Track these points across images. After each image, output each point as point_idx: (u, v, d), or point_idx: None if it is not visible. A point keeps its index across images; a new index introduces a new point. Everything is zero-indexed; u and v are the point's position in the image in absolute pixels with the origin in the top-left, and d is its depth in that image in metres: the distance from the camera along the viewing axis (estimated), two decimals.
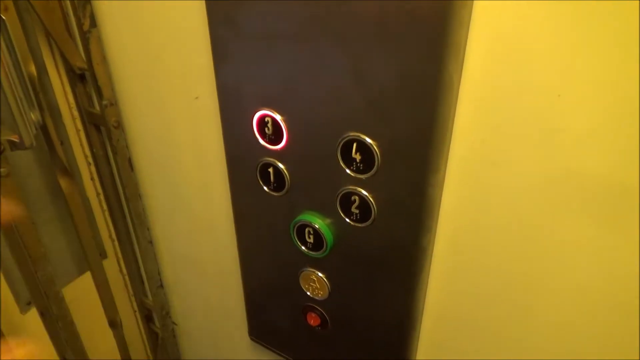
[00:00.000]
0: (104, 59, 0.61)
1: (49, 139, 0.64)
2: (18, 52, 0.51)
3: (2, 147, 0.52)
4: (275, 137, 0.50)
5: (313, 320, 0.63)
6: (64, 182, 0.66)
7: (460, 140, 0.42)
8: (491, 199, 0.43)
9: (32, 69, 0.56)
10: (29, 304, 0.76)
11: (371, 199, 0.48)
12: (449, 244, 0.48)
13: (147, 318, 0.95)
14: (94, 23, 0.58)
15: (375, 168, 0.45)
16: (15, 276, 0.73)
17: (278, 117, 0.49)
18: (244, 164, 0.56)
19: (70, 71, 0.66)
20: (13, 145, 0.53)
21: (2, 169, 0.54)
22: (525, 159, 0.39)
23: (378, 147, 0.44)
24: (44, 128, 0.62)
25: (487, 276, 0.47)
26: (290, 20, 0.43)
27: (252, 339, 0.76)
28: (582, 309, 0.42)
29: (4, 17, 0.47)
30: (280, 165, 0.52)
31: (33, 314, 0.77)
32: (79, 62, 0.63)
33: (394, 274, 0.51)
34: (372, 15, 0.38)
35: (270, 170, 0.53)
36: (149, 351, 1.02)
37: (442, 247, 0.48)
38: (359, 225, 0.50)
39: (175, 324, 0.95)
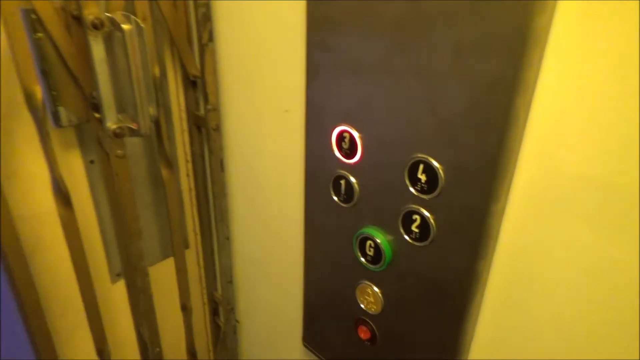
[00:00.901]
0: (215, 70, 0.71)
1: (159, 133, 0.74)
2: (148, 55, 0.61)
3: (123, 132, 0.62)
4: (351, 152, 0.55)
5: (363, 333, 0.65)
6: (165, 173, 0.76)
7: (523, 173, 0.44)
8: (550, 233, 0.44)
9: (156, 71, 0.66)
10: (118, 275, 0.86)
11: (432, 220, 0.50)
12: (504, 273, 0.49)
13: (214, 311, 1.02)
14: (211, 37, 0.68)
15: (438, 190, 0.48)
16: (112, 249, 0.83)
17: (355, 134, 0.54)
18: (320, 174, 0.61)
19: (185, 77, 0.76)
20: (132, 131, 0.62)
21: (119, 151, 0.64)
22: (590, 201, 0.40)
23: (443, 170, 0.47)
24: (156, 123, 0.72)
25: (540, 312, 0.47)
26: (376, 49, 0.48)
27: (304, 345, 0.80)
28: None
29: (143, 26, 0.57)
30: (352, 179, 0.57)
31: (120, 286, 0.87)
32: (194, 70, 0.73)
33: (446, 295, 0.53)
34: (450, 49, 0.42)
35: (342, 182, 0.58)
36: (210, 343, 1.09)
37: (497, 275, 0.50)
38: (417, 244, 0.53)
39: (237, 322, 1.01)
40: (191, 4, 0.68)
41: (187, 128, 0.83)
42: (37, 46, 0.59)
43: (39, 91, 0.58)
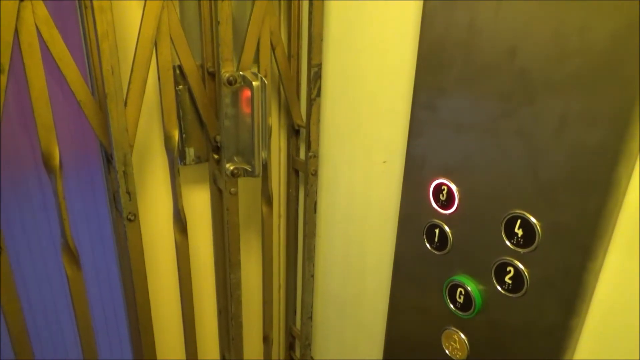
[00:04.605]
0: (318, 121, 0.78)
1: (264, 175, 0.82)
2: (267, 107, 0.69)
3: (239, 172, 0.70)
4: (447, 203, 0.60)
5: None
6: (266, 210, 0.84)
7: (622, 234, 0.46)
8: None
9: (270, 120, 0.75)
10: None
11: (526, 273, 0.53)
12: (597, 331, 0.50)
13: (290, 345, 1.07)
14: (319, 93, 0.76)
15: (534, 245, 0.51)
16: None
17: (453, 187, 0.58)
18: (414, 221, 0.65)
19: (289, 126, 0.84)
20: (246, 172, 0.70)
21: (233, 189, 0.72)
22: None
23: (541, 227, 0.51)
24: (264, 165, 0.80)
25: None
26: (481, 113, 0.53)
27: None
28: None
29: (266, 82, 0.66)
30: (447, 228, 0.61)
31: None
32: (299, 121, 0.81)
33: (536, 348, 0.55)
34: (555, 118, 0.47)
35: (437, 230, 0.62)
36: None
37: (589, 332, 0.51)
38: (510, 295, 0.55)
39: (312, 358, 1.04)
40: (304, 63, 0.77)
41: (284, 171, 0.91)
42: (177, 96, 0.69)
43: (176, 134, 0.67)
